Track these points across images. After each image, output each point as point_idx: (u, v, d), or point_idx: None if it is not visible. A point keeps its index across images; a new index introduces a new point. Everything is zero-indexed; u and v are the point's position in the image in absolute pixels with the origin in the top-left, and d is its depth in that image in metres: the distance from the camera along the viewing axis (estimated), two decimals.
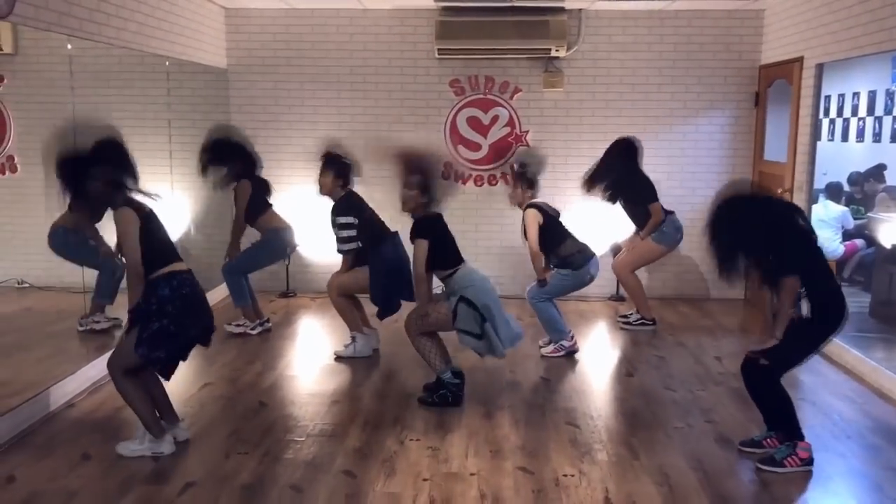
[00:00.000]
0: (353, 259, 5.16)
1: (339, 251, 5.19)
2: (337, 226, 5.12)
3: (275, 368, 5.03)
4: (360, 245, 5.12)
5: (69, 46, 4.50)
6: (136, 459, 3.64)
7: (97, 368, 4.74)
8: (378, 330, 5.47)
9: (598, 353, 5.49)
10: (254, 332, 5.79)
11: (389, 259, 5.02)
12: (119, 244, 3.65)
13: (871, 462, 3.75)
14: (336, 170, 5.12)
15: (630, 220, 6.11)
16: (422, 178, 4.34)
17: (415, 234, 4.31)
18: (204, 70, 6.57)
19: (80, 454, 3.69)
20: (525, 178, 5.22)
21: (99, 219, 4.68)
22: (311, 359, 5.31)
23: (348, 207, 5.12)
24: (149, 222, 3.59)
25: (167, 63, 5.82)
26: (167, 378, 3.79)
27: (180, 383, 4.80)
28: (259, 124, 7.03)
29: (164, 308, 3.54)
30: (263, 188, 5.76)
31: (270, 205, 5.82)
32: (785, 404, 3.66)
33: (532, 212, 5.16)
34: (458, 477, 3.50)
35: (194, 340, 3.75)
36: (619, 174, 5.83)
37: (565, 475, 3.52)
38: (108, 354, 4.79)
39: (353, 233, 5.09)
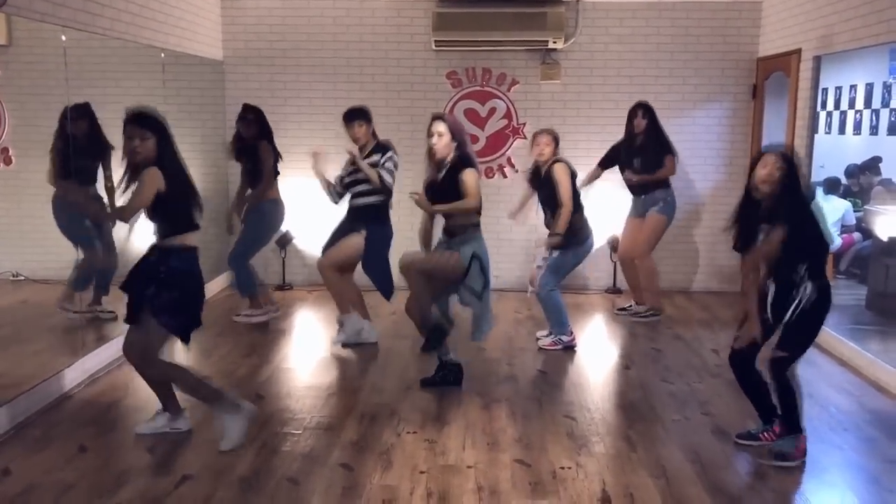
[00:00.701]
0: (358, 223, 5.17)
1: (386, 186, 5.06)
2: (383, 165, 5.08)
3: (271, 361, 5.02)
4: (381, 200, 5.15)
5: (63, 38, 4.47)
6: (132, 452, 3.63)
7: (95, 360, 4.74)
8: (372, 323, 5.46)
9: (596, 346, 5.49)
10: (265, 317, 5.89)
11: (389, 235, 5.18)
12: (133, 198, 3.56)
13: (869, 454, 3.76)
14: (368, 120, 5.22)
15: (631, 189, 6.10)
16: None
17: (467, 165, 4.33)
18: (200, 62, 6.53)
19: (77, 446, 3.68)
20: (554, 135, 5.24)
21: (93, 181, 4.75)
22: (308, 352, 5.30)
23: (386, 147, 5.17)
24: (173, 185, 3.54)
25: (162, 55, 5.78)
26: (187, 342, 3.72)
27: None
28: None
29: (174, 280, 3.55)
30: (277, 155, 5.86)
31: (279, 173, 5.89)
32: (792, 396, 3.63)
33: (562, 165, 5.11)
34: (455, 469, 3.50)
35: (195, 321, 3.72)
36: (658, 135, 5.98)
37: (562, 468, 3.52)
38: (105, 346, 4.86)
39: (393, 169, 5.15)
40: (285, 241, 6.97)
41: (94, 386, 4.52)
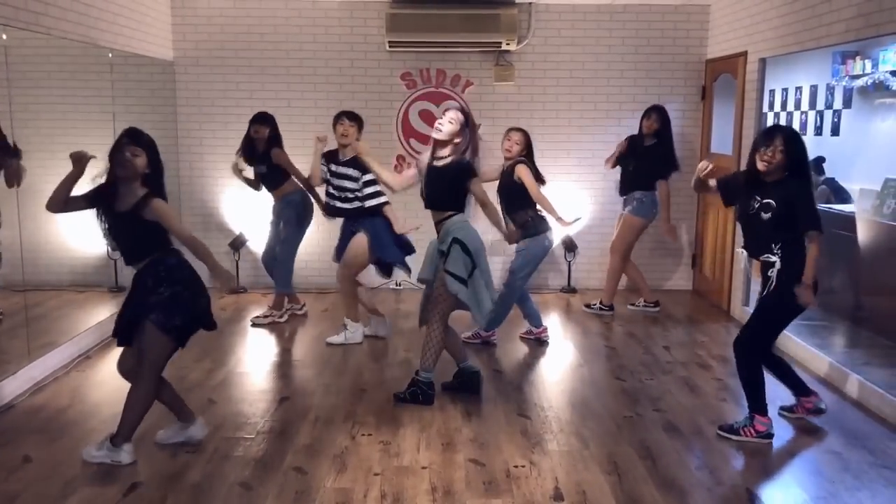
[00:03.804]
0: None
1: (368, 207, 5.21)
2: (364, 182, 5.17)
3: (225, 365, 4.96)
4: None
5: (4, 36, 4.35)
6: (79, 461, 3.54)
7: (39, 368, 4.63)
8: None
9: (550, 345, 5.54)
10: (282, 319, 6.00)
11: (386, 223, 5.27)
12: (171, 227, 3.46)
13: (812, 446, 3.86)
14: (360, 125, 5.28)
15: (623, 184, 6.24)
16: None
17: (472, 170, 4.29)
18: (150, 62, 6.42)
19: (21, 457, 3.59)
20: (527, 136, 5.29)
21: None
22: (262, 356, 5.25)
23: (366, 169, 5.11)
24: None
25: (110, 55, 5.67)
26: (182, 345, 3.59)
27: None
28: (206, 118, 6.91)
29: (174, 275, 3.47)
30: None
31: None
32: (758, 376, 3.91)
33: (524, 166, 5.19)
34: (410, 470, 3.50)
35: (204, 313, 3.61)
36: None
37: (516, 466, 3.55)
38: (51, 353, 4.74)
39: (378, 187, 5.18)
40: (238, 243, 6.90)
41: (40, 394, 4.41)
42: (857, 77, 6.33)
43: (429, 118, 6.98)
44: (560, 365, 5.15)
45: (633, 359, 5.18)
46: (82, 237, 6.01)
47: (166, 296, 3.43)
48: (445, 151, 4.24)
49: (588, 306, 6.41)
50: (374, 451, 3.69)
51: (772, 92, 6.94)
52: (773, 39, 5.63)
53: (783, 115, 7.46)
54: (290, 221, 5.83)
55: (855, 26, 4.56)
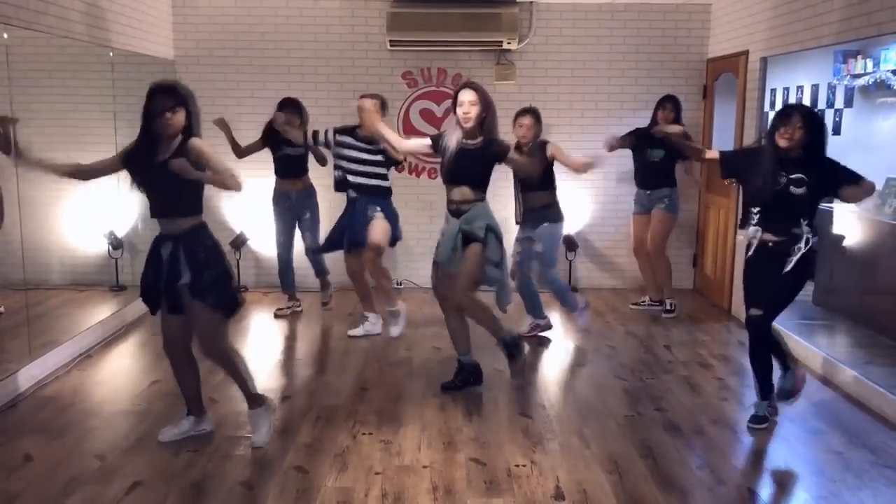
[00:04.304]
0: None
1: (384, 186, 5.38)
2: (381, 153, 5.29)
3: None
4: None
5: (5, 35, 4.35)
6: (81, 459, 3.55)
7: (40, 367, 4.63)
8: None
9: (551, 344, 5.53)
10: (300, 308, 6.20)
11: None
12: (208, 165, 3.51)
13: (814, 446, 3.86)
14: (384, 104, 5.34)
15: (644, 182, 6.25)
16: None
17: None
18: (151, 61, 6.42)
19: (23, 455, 3.59)
20: (537, 115, 5.38)
21: None
22: (263, 354, 5.25)
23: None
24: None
25: (111, 54, 5.67)
26: (232, 315, 3.72)
27: (128, 380, 4.73)
28: (207, 116, 6.79)
29: (213, 256, 3.56)
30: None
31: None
32: (770, 357, 4.05)
33: (555, 144, 5.39)
34: (411, 470, 3.50)
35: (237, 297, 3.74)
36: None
37: (517, 465, 3.54)
38: (53, 351, 4.75)
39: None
40: (239, 242, 6.89)
41: (41, 392, 4.41)
42: (859, 76, 6.32)
43: (430, 117, 6.98)
44: (561, 364, 5.15)
45: (634, 358, 5.18)
46: (83, 236, 6.02)
47: (214, 276, 3.53)
48: (475, 132, 4.25)
49: (637, 304, 6.48)
50: (376, 451, 3.69)
51: (773, 91, 6.92)
52: (774, 38, 5.63)
53: None
54: (315, 209, 5.99)
55: (856, 25, 4.56)
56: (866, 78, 6.23)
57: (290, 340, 5.60)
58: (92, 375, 4.76)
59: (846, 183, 3.82)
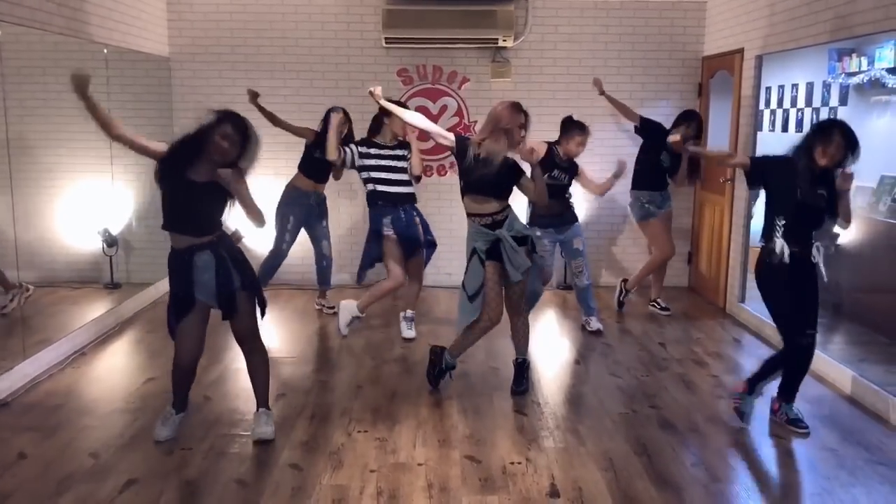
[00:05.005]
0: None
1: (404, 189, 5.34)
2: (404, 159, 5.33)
3: (220, 362, 4.95)
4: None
5: None
6: (74, 457, 3.54)
7: (34, 365, 4.61)
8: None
9: (546, 342, 5.54)
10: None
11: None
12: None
13: (807, 443, 3.86)
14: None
15: (660, 182, 6.18)
16: None
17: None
18: (145, 58, 6.40)
19: (16, 454, 3.58)
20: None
21: None
22: None
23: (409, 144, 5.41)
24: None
25: (105, 51, 5.65)
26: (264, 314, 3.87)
27: (122, 377, 4.72)
28: (202, 114, 6.86)
29: (241, 255, 3.79)
30: None
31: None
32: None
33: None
34: (406, 467, 3.50)
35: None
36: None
37: (512, 463, 3.55)
38: (46, 349, 4.73)
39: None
40: (235, 239, 6.86)
41: (35, 391, 4.40)
42: (854, 74, 6.33)
43: (425, 114, 6.92)
44: (556, 362, 5.15)
45: (629, 356, 5.18)
46: (77, 233, 6.00)
47: (252, 272, 3.74)
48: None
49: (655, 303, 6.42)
50: (371, 448, 3.69)
51: (768, 89, 6.94)
52: (769, 36, 5.63)
53: (780, 113, 7.46)
54: (327, 214, 6.03)
55: (851, 23, 4.56)
56: (861, 76, 6.24)
57: (285, 338, 5.59)
58: (86, 373, 4.75)
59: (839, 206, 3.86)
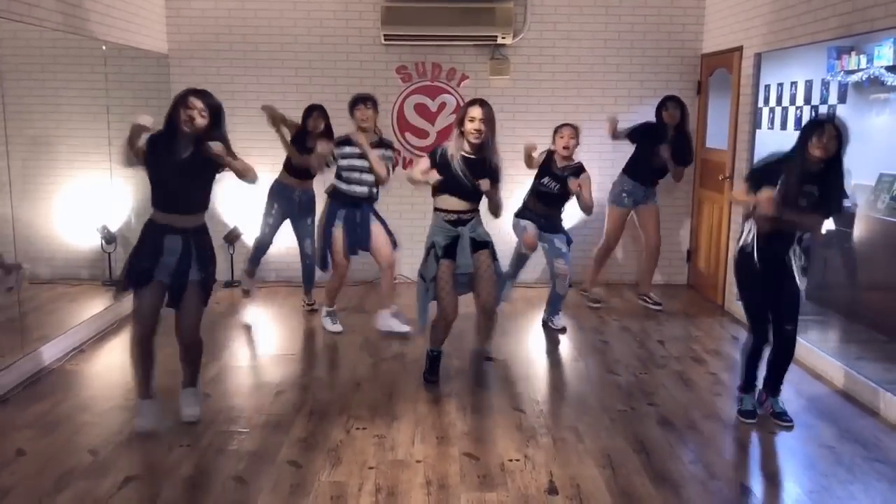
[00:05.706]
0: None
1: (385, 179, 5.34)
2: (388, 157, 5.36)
3: (219, 359, 4.95)
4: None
5: None
6: (73, 454, 3.54)
7: (33, 362, 4.61)
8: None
9: (544, 339, 5.54)
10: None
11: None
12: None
13: (806, 440, 3.87)
14: (376, 107, 5.34)
15: (650, 179, 6.27)
16: None
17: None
18: (144, 55, 6.39)
19: (15, 450, 3.58)
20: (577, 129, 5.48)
21: None
22: (257, 349, 5.25)
23: (390, 144, 5.47)
24: None
25: (104, 47, 5.64)
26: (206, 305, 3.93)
27: (121, 374, 4.71)
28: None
29: (214, 255, 3.88)
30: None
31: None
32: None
33: (589, 178, 5.44)
34: (404, 464, 3.50)
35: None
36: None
37: (510, 460, 3.55)
38: (45, 346, 4.74)
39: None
40: (233, 237, 6.88)
41: (33, 387, 4.40)
42: (852, 72, 6.33)
43: (424, 112, 6.97)
44: (554, 359, 5.16)
45: (627, 353, 5.19)
46: (76, 230, 5.99)
47: (213, 273, 3.82)
48: (477, 148, 4.29)
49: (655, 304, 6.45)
50: (369, 445, 3.69)
51: (767, 87, 6.93)
52: (768, 34, 5.63)
53: (778, 111, 7.46)
54: (313, 212, 5.98)
55: (850, 21, 4.57)
56: (860, 74, 6.24)
57: (284, 335, 5.59)
58: (84, 370, 4.75)
59: (832, 208, 3.91)
